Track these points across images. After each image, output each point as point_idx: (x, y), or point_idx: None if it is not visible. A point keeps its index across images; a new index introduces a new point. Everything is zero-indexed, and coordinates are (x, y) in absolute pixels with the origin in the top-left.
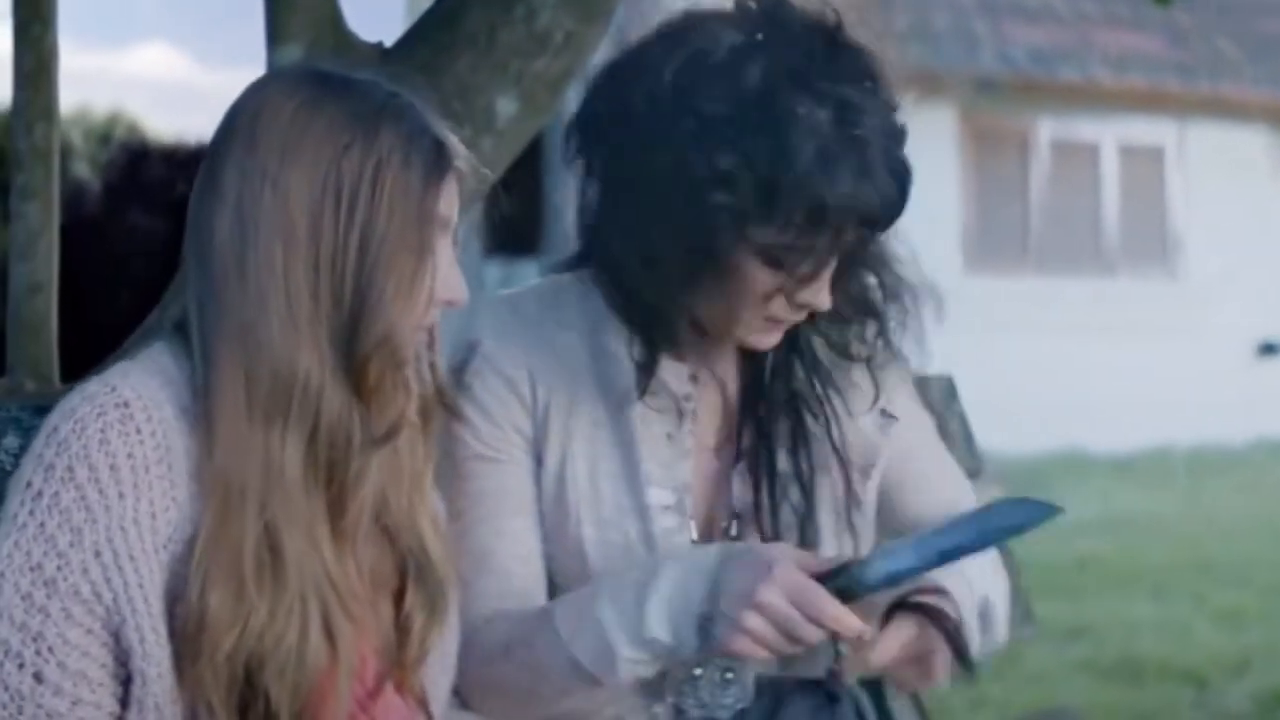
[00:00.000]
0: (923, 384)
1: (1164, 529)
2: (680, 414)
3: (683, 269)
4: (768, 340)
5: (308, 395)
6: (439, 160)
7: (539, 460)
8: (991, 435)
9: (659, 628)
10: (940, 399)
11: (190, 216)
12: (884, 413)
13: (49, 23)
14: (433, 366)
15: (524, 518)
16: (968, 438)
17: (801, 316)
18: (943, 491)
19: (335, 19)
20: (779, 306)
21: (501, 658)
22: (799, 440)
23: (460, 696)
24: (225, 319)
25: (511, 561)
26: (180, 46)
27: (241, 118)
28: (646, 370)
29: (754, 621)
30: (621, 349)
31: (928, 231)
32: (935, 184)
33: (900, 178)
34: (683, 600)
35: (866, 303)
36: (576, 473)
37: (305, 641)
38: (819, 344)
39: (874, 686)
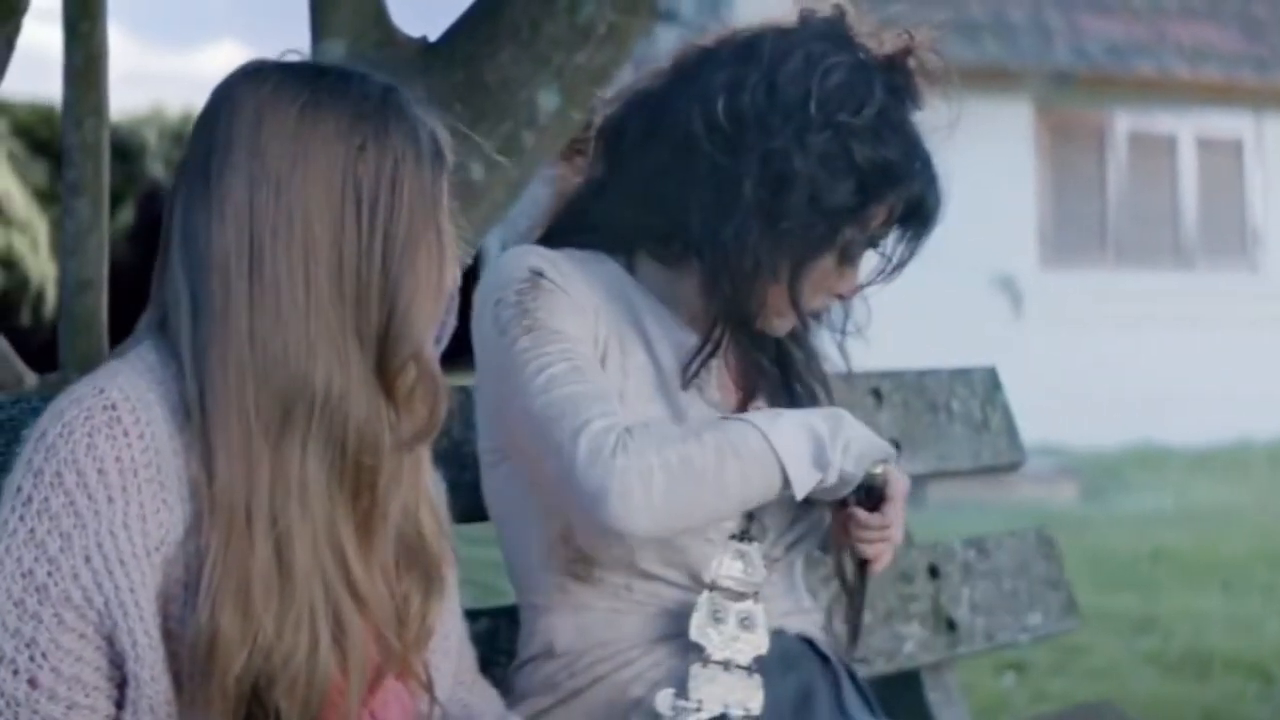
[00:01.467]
0: (965, 375)
1: (1239, 522)
2: (701, 386)
3: (789, 265)
4: (787, 329)
5: (329, 403)
6: (439, 152)
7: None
8: (1069, 429)
9: (855, 440)
10: (983, 391)
11: (179, 225)
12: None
13: (97, 19)
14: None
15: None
16: (1010, 430)
17: (824, 306)
18: None
19: (379, 13)
20: (822, 297)
21: (688, 439)
22: (797, 386)
23: (601, 492)
24: (229, 332)
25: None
26: (250, 45)
27: (239, 123)
28: (709, 354)
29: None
30: (655, 320)
31: (1004, 226)
32: (1011, 178)
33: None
34: (863, 448)
35: None
36: (632, 410)
37: (315, 654)
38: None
39: (910, 676)
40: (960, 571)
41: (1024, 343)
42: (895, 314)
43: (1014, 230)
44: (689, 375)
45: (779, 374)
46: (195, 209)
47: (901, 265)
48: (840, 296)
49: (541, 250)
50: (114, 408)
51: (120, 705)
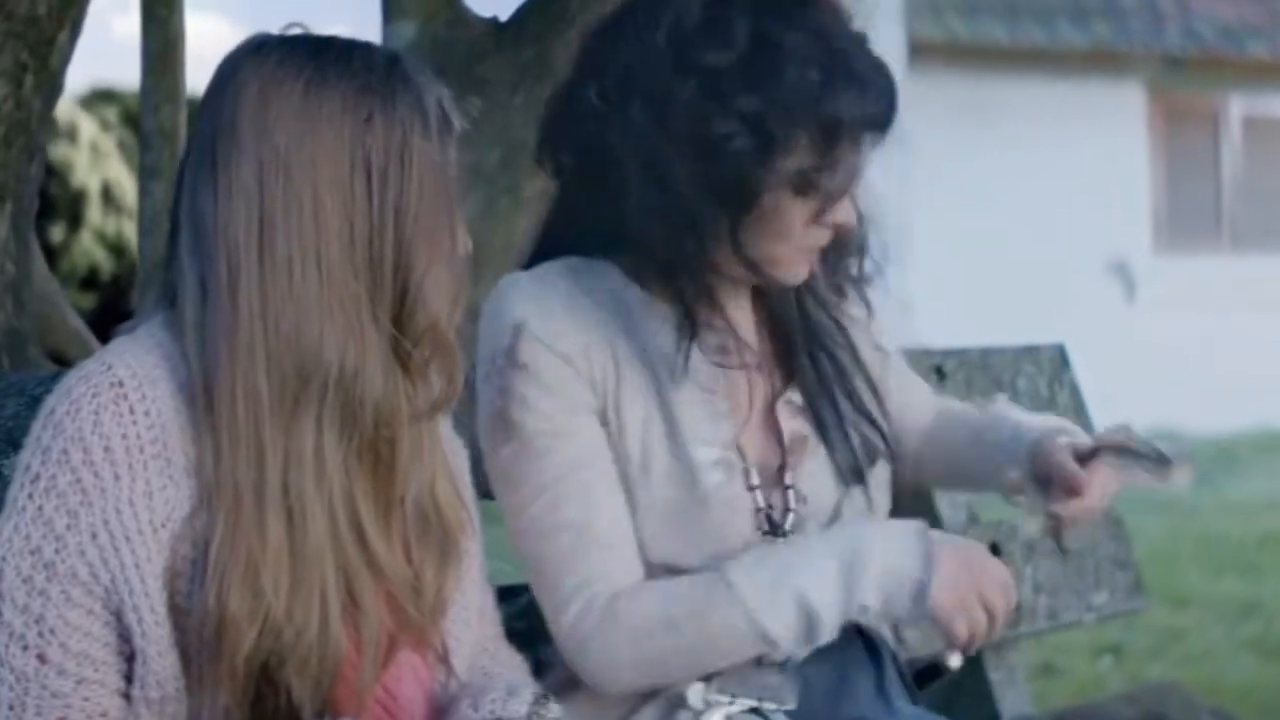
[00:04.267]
0: (1033, 353)
1: None
2: (712, 388)
3: (725, 221)
4: (801, 273)
5: (344, 379)
6: (447, 120)
7: (606, 426)
8: (1184, 413)
9: (874, 597)
10: (1050, 368)
11: (187, 207)
12: (877, 346)
13: (175, 5)
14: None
15: (608, 487)
16: (1079, 408)
17: (828, 239)
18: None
19: None
20: (815, 233)
21: (663, 631)
22: (827, 367)
23: (581, 672)
24: (237, 313)
25: (612, 532)
26: (358, 31)
27: (244, 102)
28: (688, 335)
29: (977, 613)
30: (653, 321)
31: (1118, 211)
32: (1124, 162)
33: (887, 77)
34: (897, 574)
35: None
36: (631, 439)
37: (326, 632)
38: (819, 283)
39: (972, 656)
40: (1023, 550)
41: (1138, 327)
42: (1008, 297)
43: (1128, 214)
44: (676, 371)
45: (801, 324)
46: (202, 191)
47: (846, 187)
48: (839, 227)
49: (528, 289)
50: (120, 385)
51: (130, 680)
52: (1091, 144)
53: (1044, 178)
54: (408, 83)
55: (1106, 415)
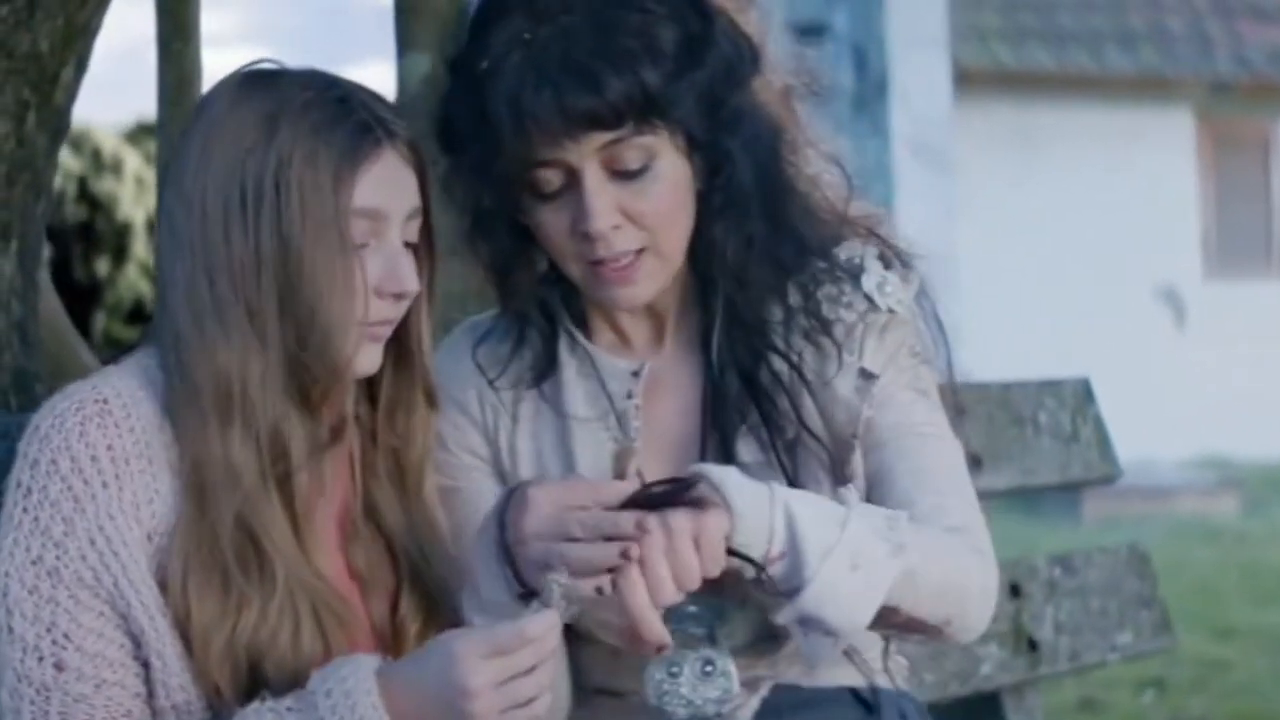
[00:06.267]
0: (1056, 387)
1: None
2: (621, 417)
3: (510, 235)
4: (617, 295)
5: (248, 399)
6: (352, 152)
7: (503, 476)
8: (1233, 441)
9: None
10: (1074, 402)
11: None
12: (862, 371)
13: (190, 38)
14: (423, 363)
15: None
16: (1104, 442)
17: (601, 248)
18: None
19: (462, 26)
20: (580, 241)
21: None
22: (770, 424)
23: None
24: (168, 326)
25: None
26: (386, 65)
27: (191, 124)
28: (548, 355)
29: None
30: (566, 358)
31: (1167, 237)
32: (1173, 189)
33: (602, 70)
34: None
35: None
36: (524, 472)
37: (299, 636)
38: (775, 324)
39: (990, 699)
40: (1044, 590)
41: (1187, 355)
42: (1056, 324)
43: (1177, 241)
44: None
45: (735, 375)
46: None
47: (578, 186)
48: (587, 236)
49: (463, 327)
50: (105, 401)
51: (152, 691)
52: (1140, 170)
53: (1092, 205)
54: (309, 110)
55: (1152, 441)
